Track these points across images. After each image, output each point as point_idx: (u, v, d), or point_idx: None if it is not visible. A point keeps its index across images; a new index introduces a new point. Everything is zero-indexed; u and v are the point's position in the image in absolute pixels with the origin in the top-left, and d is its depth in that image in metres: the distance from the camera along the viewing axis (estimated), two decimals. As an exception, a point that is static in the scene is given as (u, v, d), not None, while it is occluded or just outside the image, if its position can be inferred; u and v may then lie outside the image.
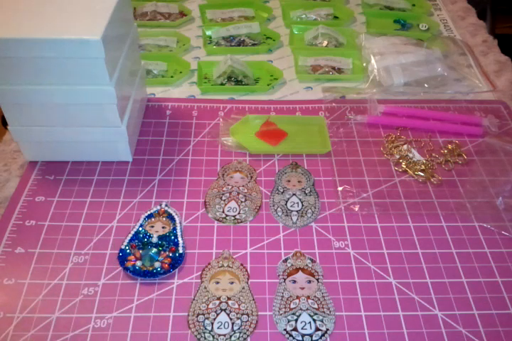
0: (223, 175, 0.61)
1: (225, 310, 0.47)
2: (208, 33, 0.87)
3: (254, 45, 0.84)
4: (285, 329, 0.46)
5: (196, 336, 0.46)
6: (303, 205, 0.58)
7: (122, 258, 0.51)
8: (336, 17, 0.92)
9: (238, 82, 0.75)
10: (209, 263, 0.51)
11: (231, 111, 0.71)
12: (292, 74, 0.78)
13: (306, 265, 0.52)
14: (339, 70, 0.79)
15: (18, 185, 0.59)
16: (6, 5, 0.53)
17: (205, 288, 0.49)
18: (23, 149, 0.61)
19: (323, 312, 0.48)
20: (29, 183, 0.59)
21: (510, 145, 0.66)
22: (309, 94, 0.75)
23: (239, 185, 0.60)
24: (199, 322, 0.47)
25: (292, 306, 0.48)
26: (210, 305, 0.48)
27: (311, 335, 0.46)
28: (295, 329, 0.46)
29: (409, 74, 0.76)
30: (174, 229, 0.54)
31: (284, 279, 0.50)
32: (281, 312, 0.48)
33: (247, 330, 0.46)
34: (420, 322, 0.47)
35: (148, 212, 0.56)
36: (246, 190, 0.59)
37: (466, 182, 0.61)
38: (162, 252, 0.52)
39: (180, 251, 0.52)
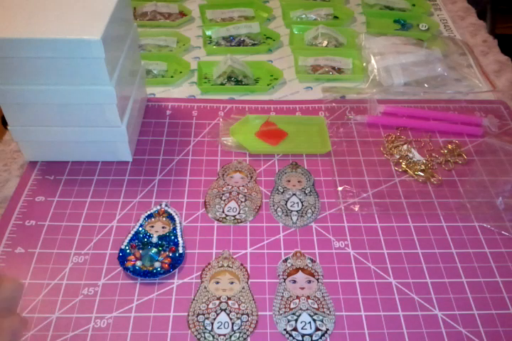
0: (223, 175, 0.61)
1: (225, 310, 0.47)
2: (208, 33, 0.87)
3: (254, 45, 0.84)
4: (285, 329, 0.46)
5: (196, 336, 0.46)
6: (303, 205, 0.58)
7: (122, 258, 0.51)
8: (336, 17, 0.92)
9: (238, 82, 0.75)
10: (209, 263, 0.51)
11: (231, 111, 0.71)
12: (292, 74, 0.78)
13: (306, 265, 0.52)
14: (339, 70, 0.79)
15: (18, 185, 0.59)
16: (5, 5, 0.53)
17: (205, 288, 0.49)
18: (23, 149, 0.61)
19: (323, 312, 0.48)
20: (29, 183, 0.59)
21: (510, 145, 0.66)
22: (309, 94, 0.75)
23: (239, 185, 0.60)
24: (199, 322, 0.47)
25: (292, 306, 0.48)
26: (210, 305, 0.48)
27: (311, 335, 0.46)
28: (295, 329, 0.46)
29: (409, 74, 0.76)
30: (174, 229, 0.54)
31: (284, 279, 0.50)
32: (281, 312, 0.48)
33: (247, 330, 0.46)
34: (420, 322, 0.47)
35: (148, 212, 0.56)
36: (246, 190, 0.59)
37: (466, 182, 0.61)
38: (162, 252, 0.52)
39: (180, 251, 0.52)
